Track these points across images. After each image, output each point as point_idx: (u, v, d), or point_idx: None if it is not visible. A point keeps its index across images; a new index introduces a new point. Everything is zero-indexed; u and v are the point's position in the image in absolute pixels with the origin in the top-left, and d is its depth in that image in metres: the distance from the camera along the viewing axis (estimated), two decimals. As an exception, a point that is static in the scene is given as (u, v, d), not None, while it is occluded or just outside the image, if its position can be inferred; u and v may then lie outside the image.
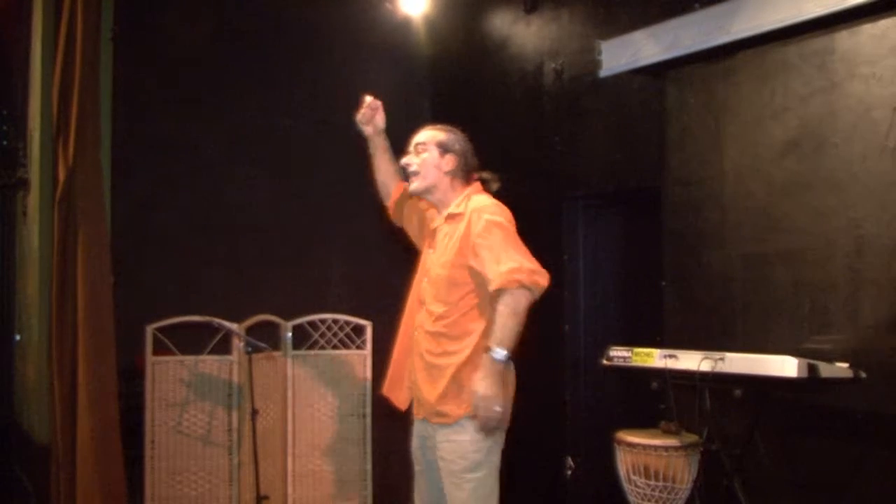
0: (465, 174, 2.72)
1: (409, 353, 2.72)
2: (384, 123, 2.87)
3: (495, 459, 2.57)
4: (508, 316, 2.42)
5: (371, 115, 2.84)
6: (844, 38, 3.09)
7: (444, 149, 2.70)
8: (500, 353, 2.41)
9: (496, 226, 2.53)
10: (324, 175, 4.91)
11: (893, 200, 2.91)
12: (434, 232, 2.75)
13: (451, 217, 2.67)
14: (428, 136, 2.73)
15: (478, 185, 2.75)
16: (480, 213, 2.57)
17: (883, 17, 2.96)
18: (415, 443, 2.76)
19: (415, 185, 2.71)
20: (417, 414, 2.70)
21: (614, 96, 4.13)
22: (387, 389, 2.79)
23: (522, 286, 2.42)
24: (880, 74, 2.97)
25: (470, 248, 2.54)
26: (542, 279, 2.46)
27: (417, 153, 2.72)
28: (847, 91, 3.07)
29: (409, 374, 2.71)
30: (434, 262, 2.67)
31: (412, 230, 2.95)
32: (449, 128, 2.75)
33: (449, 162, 2.69)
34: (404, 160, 2.74)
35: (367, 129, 2.87)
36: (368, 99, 2.86)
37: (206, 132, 4.67)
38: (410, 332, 2.73)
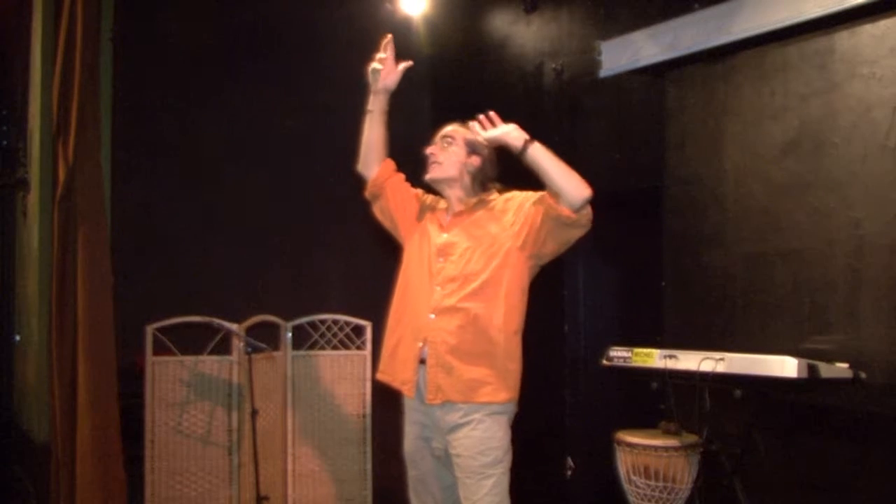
0: (483, 180, 2.69)
1: (417, 336, 2.55)
2: (395, 85, 2.67)
3: (509, 460, 2.53)
4: (566, 167, 2.48)
5: (390, 69, 2.63)
6: (844, 39, 3.09)
7: (471, 148, 2.67)
8: (535, 146, 2.49)
9: None
10: (324, 175, 4.91)
11: (893, 200, 2.91)
12: (436, 216, 2.69)
13: (482, 203, 2.64)
14: (457, 131, 2.69)
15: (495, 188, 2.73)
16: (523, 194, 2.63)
17: (883, 18, 2.96)
18: (414, 444, 2.63)
19: (434, 173, 2.65)
20: (435, 399, 2.49)
21: (614, 96, 4.13)
22: (397, 375, 2.59)
23: (588, 197, 2.48)
24: (880, 74, 2.97)
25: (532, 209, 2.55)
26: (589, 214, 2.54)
27: (444, 145, 2.67)
28: (847, 91, 3.07)
29: (414, 357, 2.54)
30: (470, 235, 2.59)
31: (398, 209, 2.75)
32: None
33: (474, 162, 2.67)
34: (429, 149, 2.68)
35: (382, 84, 2.65)
36: (386, 53, 2.60)
37: (206, 132, 4.67)
38: (420, 314, 2.57)
